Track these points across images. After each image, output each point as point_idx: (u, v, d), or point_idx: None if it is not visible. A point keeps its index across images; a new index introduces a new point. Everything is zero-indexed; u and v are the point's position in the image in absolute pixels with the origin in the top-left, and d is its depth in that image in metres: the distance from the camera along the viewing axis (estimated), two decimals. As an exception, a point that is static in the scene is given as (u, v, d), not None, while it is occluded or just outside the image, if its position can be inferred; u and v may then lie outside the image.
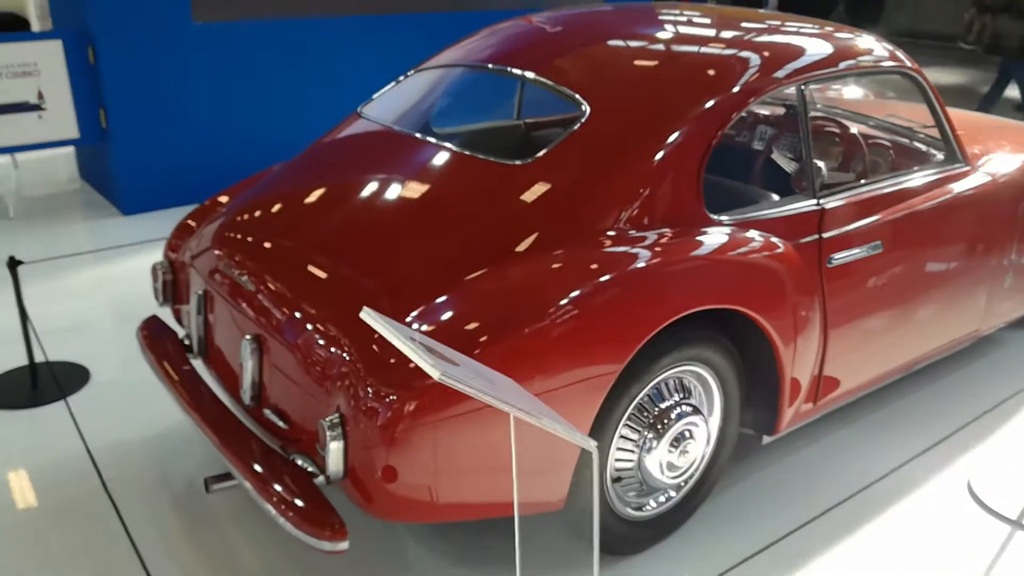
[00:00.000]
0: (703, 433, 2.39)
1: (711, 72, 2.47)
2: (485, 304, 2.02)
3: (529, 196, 2.23)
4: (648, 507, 2.39)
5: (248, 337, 2.23)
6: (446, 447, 1.90)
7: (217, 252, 2.48)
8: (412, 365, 1.89)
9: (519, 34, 2.84)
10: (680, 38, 2.70)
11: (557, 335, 1.98)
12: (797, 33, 2.81)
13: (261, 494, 1.95)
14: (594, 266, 2.10)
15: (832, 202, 2.59)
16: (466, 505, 2.02)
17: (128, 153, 5.15)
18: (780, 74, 2.52)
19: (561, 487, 2.09)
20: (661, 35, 2.74)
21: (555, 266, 2.09)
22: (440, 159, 2.47)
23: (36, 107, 4.91)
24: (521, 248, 2.13)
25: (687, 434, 2.33)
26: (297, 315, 2.14)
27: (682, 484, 2.45)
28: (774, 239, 2.40)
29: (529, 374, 1.93)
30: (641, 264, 2.13)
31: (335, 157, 2.76)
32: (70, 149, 5.96)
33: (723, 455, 2.52)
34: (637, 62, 2.57)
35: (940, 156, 3.06)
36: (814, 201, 2.55)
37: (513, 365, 1.89)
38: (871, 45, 2.90)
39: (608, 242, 2.16)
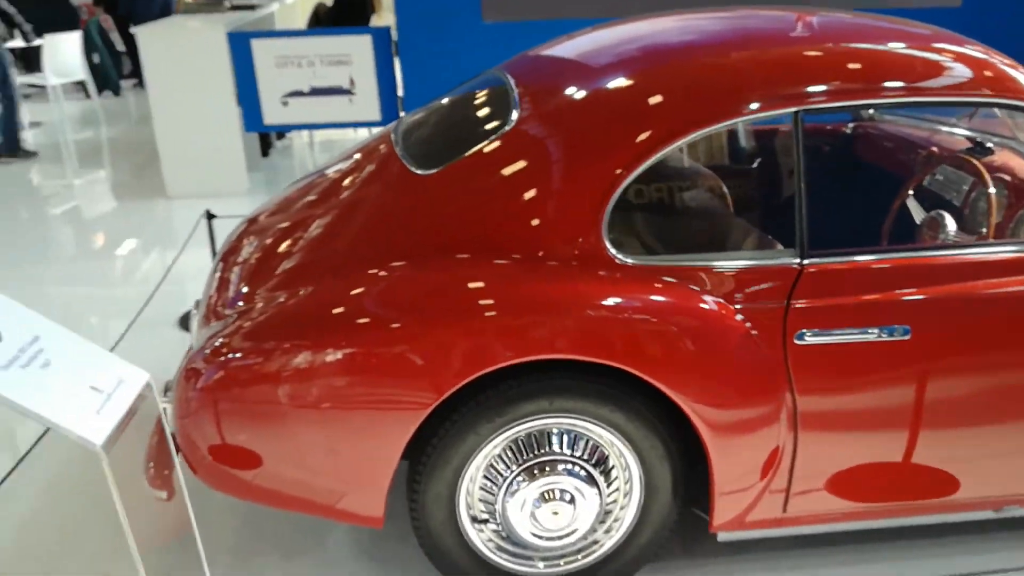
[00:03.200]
0: (591, 505, 2.12)
1: (651, 99, 2.11)
2: (305, 307, 2.07)
3: (417, 209, 2.18)
4: (538, 566, 2.21)
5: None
6: (247, 425, 2.02)
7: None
8: (224, 338, 2.07)
9: (569, 45, 2.66)
10: (683, 51, 2.30)
11: (368, 352, 1.96)
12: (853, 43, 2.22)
13: None
14: (434, 287, 2.01)
15: (826, 262, 2.04)
16: (279, 495, 2.10)
17: (415, 136, 5.85)
18: (753, 103, 2.05)
19: (376, 503, 2.06)
20: (661, 49, 2.35)
21: (389, 281, 2.05)
22: (384, 160, 2.48)
23: (348, 91, 5.83)
24: (393, 262, 2.11)
25: (566, 495, 2.10)
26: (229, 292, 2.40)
27: (570, 552, 2.20)
28: (700, 294, 1.99)
29: (343, 378, 1.96)
30: (486, 298, 1.97)
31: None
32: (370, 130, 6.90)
33: (646, 537, 2.19)
34: (602, 80, 2.27)
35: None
36: (796, 259, 2.04)
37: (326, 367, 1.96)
38: (962, 67, 2.17)
39: (465, 267, 2.03)
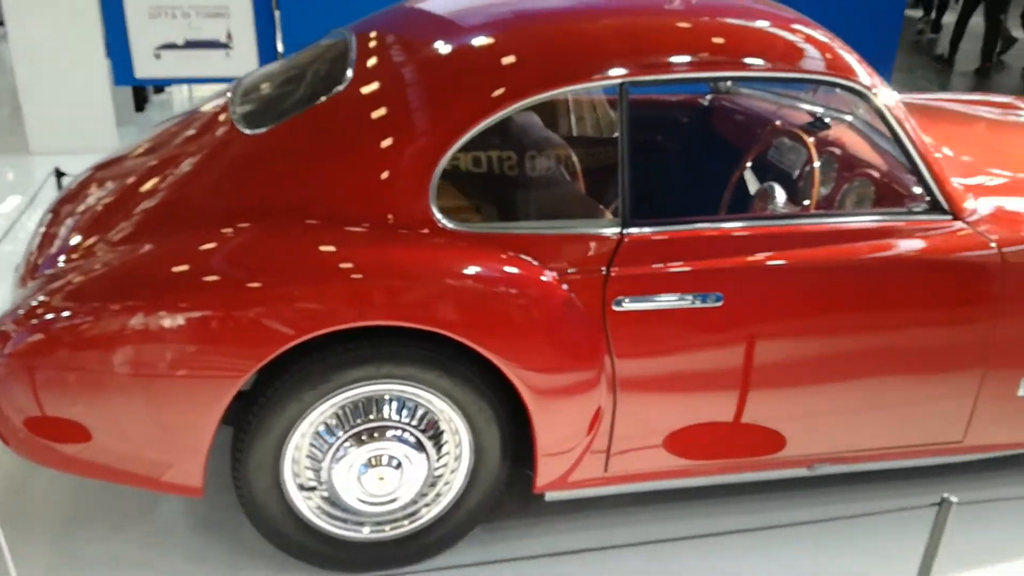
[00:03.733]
0: (419, 471, 2.13)
1: (477, 67, 2.11)
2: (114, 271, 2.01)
3: (244, 170, 2.13)
4: (363, 531, 2.22)
5: None
6: (71, 395, 1.95)
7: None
8: (43, 298, 1.99)
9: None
10: (528, 20, 2.30)
11: (187, 318, 1.91)
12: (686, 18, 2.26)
13: None
14: (246, 252, 1.97)
15: (647, 231, 2.09)
16: (104, 468, 2.04)
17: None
18: (577, 75, 2.07)
19: (195, 473, 2.03)
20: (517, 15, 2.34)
21: (205, 247, 2.00)
22: (217, 118, 2.40)
23: (225, 45, 5.61)
24: (220, 223, 2.05)
25: (393, 461, 2.11)
26: None
27: (399, 517, 2.21)
28: (524, 261, 2.01)
29: (162, 345, 1.91)
30: (300, 265, 1.94)
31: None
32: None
33: (475, 499, 2.23)
34: (438, 43, 2.25)
35: (915, 198, 2.28)
36: (617, 228, 2.08)
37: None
38: (795, 42, 2.23)
39: (293, 232, 2.00)
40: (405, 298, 1.94)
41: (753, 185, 2.71)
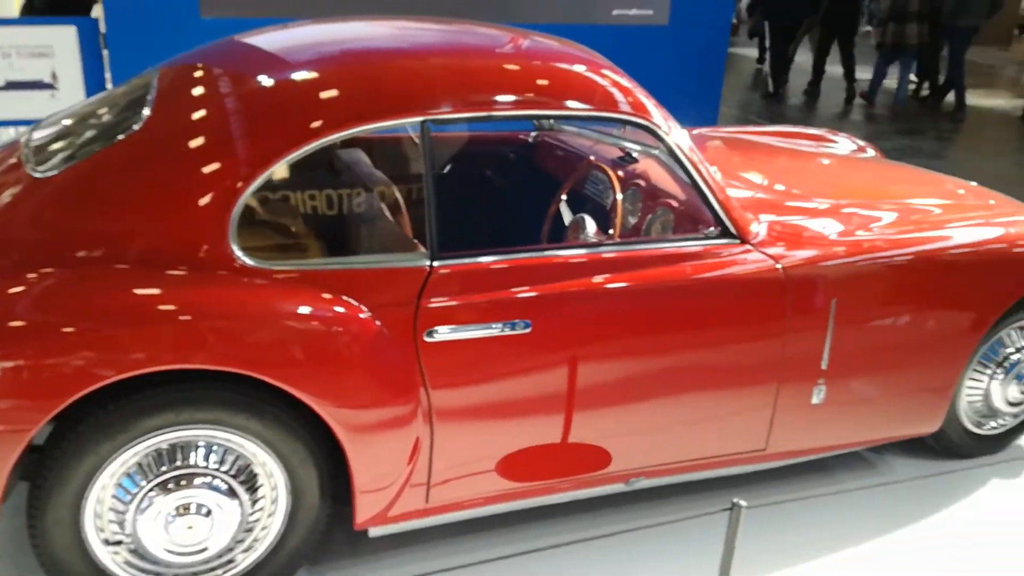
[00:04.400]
0: (231, 518, 2.09)
1: (275, 106, 2.14)
2: None
3: (38, 213, 2.04)
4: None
5: None
6: None
7: None
8: None
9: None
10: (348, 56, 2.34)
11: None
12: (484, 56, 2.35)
13: None
14: (37, 300, 1.89)
15: (456, 263, 2.14)
16: None
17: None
18: (379, 114, 2.11)
19: None
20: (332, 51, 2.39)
21: None
22: (12, 160, 2.31)
23: (50, 86, 5.36)
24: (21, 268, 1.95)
25: (202, 509, 2.05)
26: None
27: (215, 566, 2.15)
28: (332, 298, 2.02)
29: None
30: (92, 311, 1.87)
31: None
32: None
33: (295, 542, 2.19)
34: (237, 83, 2.26)
35: (708, 225, 2.44)
36: (427, 260, 2.13)
37: None
38: (578, 82, 2.36)
39: (74, 276, 1.93)
40: (200, 340, 1.90)
41: (568, 217, 2.83)
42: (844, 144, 3.94)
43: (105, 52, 5.37)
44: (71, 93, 5.35)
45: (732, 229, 2.40)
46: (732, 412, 2.49)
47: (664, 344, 2.35)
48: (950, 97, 9.71)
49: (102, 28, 5.33)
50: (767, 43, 11.00)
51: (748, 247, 2.41)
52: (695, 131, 3.95)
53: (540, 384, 2.24)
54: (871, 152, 3.87)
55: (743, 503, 1.95)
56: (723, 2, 6.16)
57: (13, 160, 2.26)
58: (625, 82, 2.46)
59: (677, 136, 2.41)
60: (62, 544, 1.99)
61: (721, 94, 6.48)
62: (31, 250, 1.99)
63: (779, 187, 2.98)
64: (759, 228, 2.47)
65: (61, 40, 5.28)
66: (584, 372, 2.27)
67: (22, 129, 2.77)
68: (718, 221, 2.40)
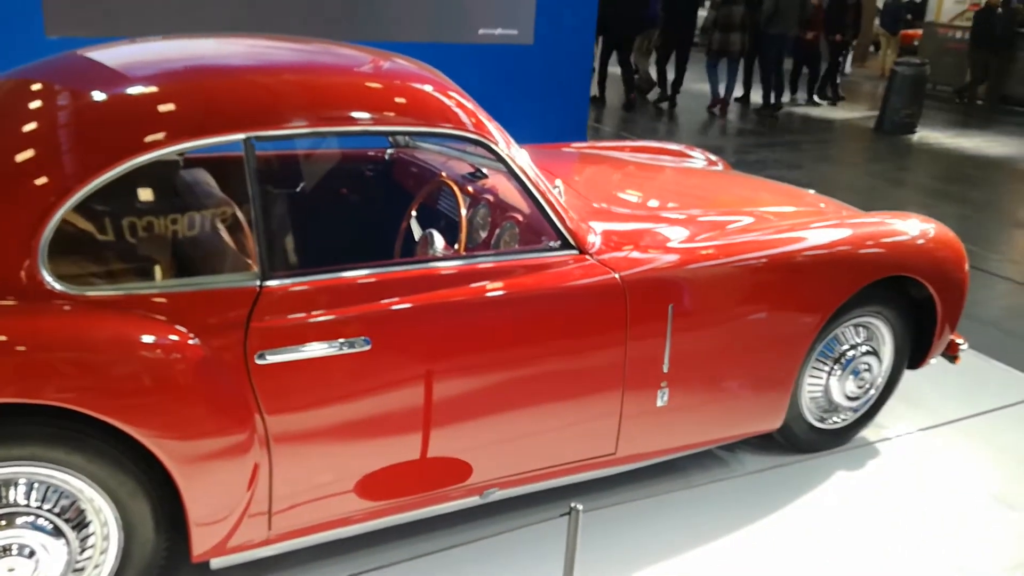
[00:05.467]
0: (57, 559, 1.99)
1: (91, 124, 2.06)
2: None
3: None
4: None
5: None
6: None
7: None
8: None
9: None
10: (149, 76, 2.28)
11: None
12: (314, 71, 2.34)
13: None
14: None
15: (288, 282, 2.11)
16: None
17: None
18: (198, 131, 2.05)
19: None
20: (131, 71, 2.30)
21: None
22: None
23: None
24: None
25: (25, 550, 1.94)
26: None
27: None
28: (152, 323, 1.95)
29: None
30: None
31: None
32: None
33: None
34: (57, 99, 2.18)
35: (550, 236, 2.49)
36: (256, 281, 2.08)
37: None
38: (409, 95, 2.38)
39: None
40: (2, 371, 1.81)
41: (419, 232, 2.83)
42: (699, 158, 4.11)
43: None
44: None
45: (571, 240, 2.46)
46: (580, 419, 2.54)
47: (507, 355, 2.38)
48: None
49: (-62, 49, 5.01)
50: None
51: (586, 257, 2.47)
52: (568, 147, 4.04)
53: (385, 402, 2.22)
54: (720, 166, 4.05)
55: (580, 507, 1.99)
56: (585, 21, 6.34)
57: None
58: (467, 102, 2.47)
59: (514, 153, 2.45)
60: None
61: (589, 110, 6.65)
62: None
63: (622, 198, 3.07)
64: (596, 239, 2.53)
65: None
66: (429, 387, 2.27)
67: None
68: (557, 233, 2.45)
